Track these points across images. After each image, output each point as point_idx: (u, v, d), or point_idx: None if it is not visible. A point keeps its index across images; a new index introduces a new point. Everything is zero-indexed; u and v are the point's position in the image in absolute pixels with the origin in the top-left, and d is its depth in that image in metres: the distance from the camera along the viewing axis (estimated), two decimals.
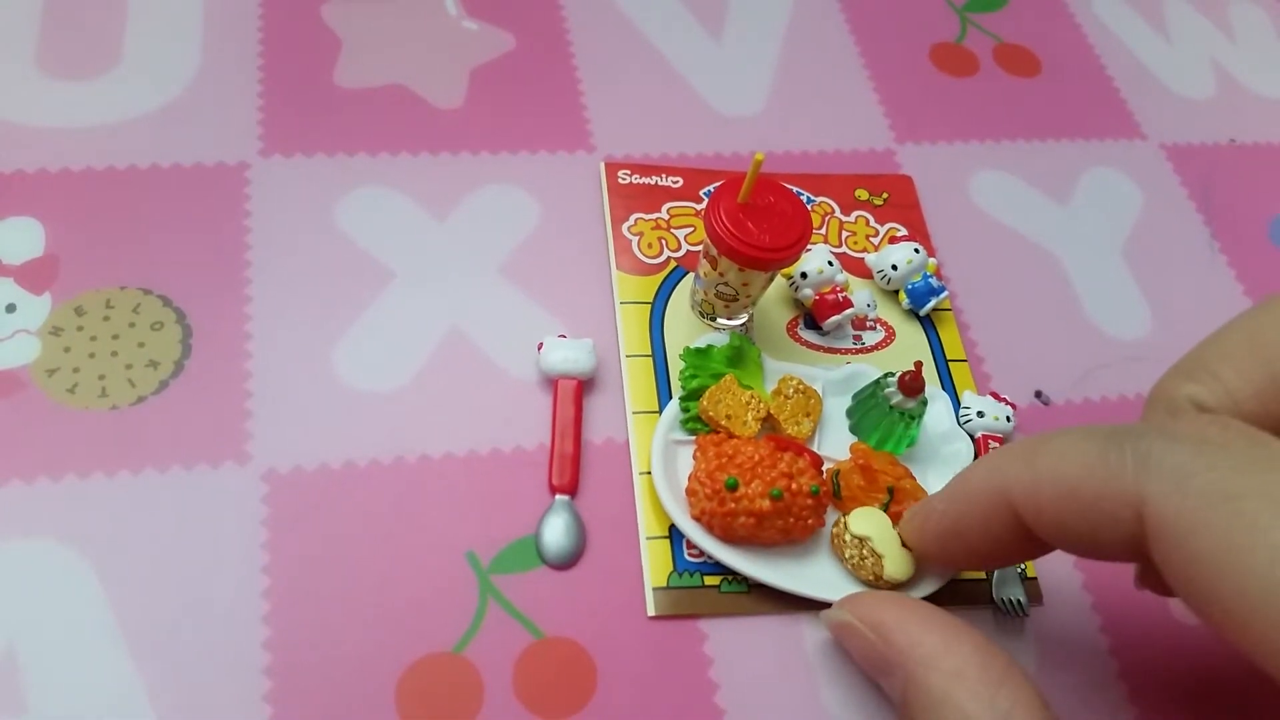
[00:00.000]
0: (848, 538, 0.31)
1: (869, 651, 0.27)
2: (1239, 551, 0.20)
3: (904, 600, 0.28)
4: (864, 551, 0.30)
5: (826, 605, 0.30)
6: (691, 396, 0.33)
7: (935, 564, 0.30)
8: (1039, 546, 0.26)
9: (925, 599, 0.30)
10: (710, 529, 0.31)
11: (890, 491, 0.31)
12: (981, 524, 0.26)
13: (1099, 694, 0.32)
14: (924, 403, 0.33)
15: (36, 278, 0.34)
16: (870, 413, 0.33)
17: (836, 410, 0.35)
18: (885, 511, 0.31)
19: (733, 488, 0.30)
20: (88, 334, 0.33)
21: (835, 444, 0.34)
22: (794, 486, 0.30)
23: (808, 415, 0.33)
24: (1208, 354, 0.25)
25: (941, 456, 0.34)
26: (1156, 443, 0.22)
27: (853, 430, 0.34)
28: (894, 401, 0.32)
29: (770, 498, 0.30)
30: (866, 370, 0.35)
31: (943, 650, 0.25)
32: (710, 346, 0.34)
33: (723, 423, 0.32)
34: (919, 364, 0.32)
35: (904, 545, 0.30)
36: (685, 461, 0.33)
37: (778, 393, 0.33)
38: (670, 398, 0.34)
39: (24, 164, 0.36)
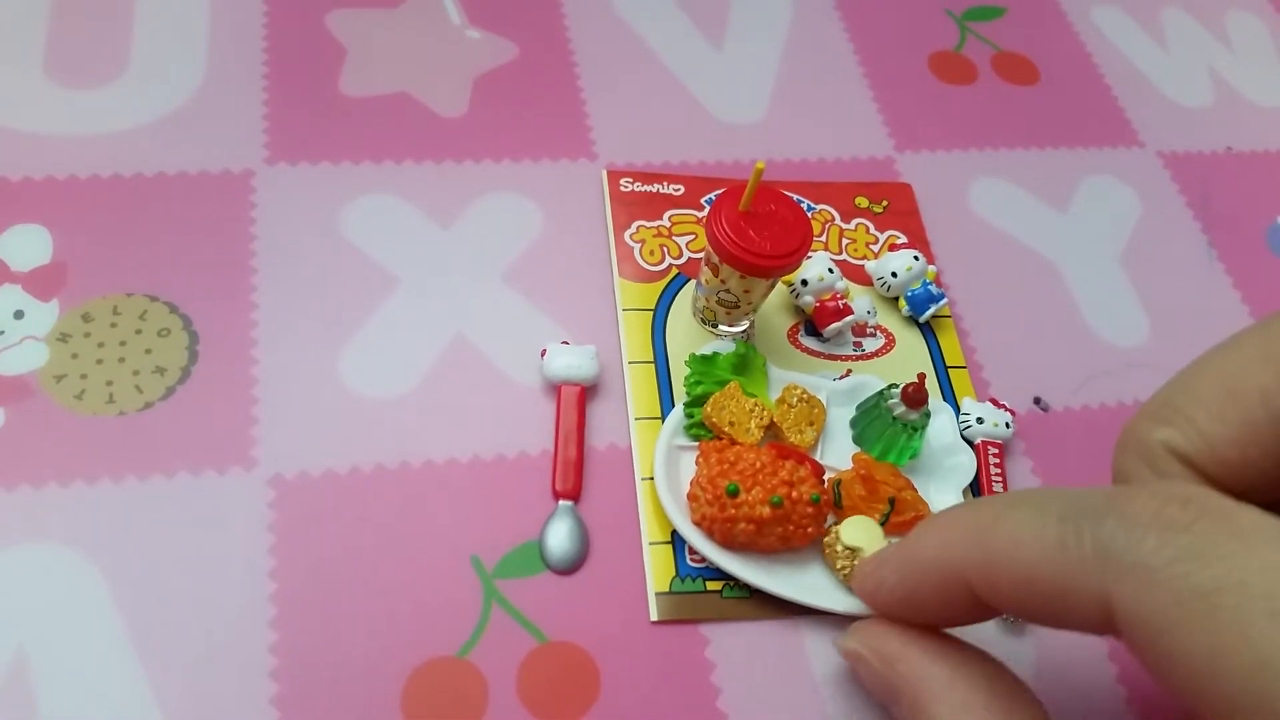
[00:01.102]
0: (839, 548, 0.31)
1: (877, 681, 0.27)
2: (1219, 654, 0.19)
3: (912, 629, 0.27)
4: (855, 562, 0.30)
5: (827, 613, 0.31)
6: (696, 402, 0.33)
7: None
8: (995, 612, 0.25)
9: None
10: (711, 534, 0.31)
11: (891, 503, 0.32)
12: (936, 597, 0.25)
13: (1098, 700, 0.32)
14: (927, 415, 0.33)
15: (44, 284, 0.34)
16: (874, 424, 0.33)
17: (840, 420, 0.35)
18: (886, 522, 0.31)
19: (734, 494, 0.30)
20: (95, 340, 0.33)
21: (838, 454, 0.34)
22: (794, 494, 0.30)
23: (811, 424, 0.34)
24: (1180, 397, 0.24)
25: (944, 469, 0.34)
26: (1118, 531, 0.21)
27: (856, 441, 0.34)
28: (897, 413, 0.32)
29: (770, 505, 0.30)
30: (871, 381, 0.35)
31: (948, 682, 0.25)
32: (716, 354, 0.34)
33: (726, 429, 0.32)
34: (922, 376, 0.32)
35: None
36: (688, 467, 0.33)
37: (781, 401, 0.34)
38: (672, 404, 0.34)
39: (31, 171, 0.37)
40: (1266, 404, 0.23)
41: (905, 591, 0.26)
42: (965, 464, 0.34)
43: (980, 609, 0.25)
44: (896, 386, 0.33)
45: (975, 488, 0.34)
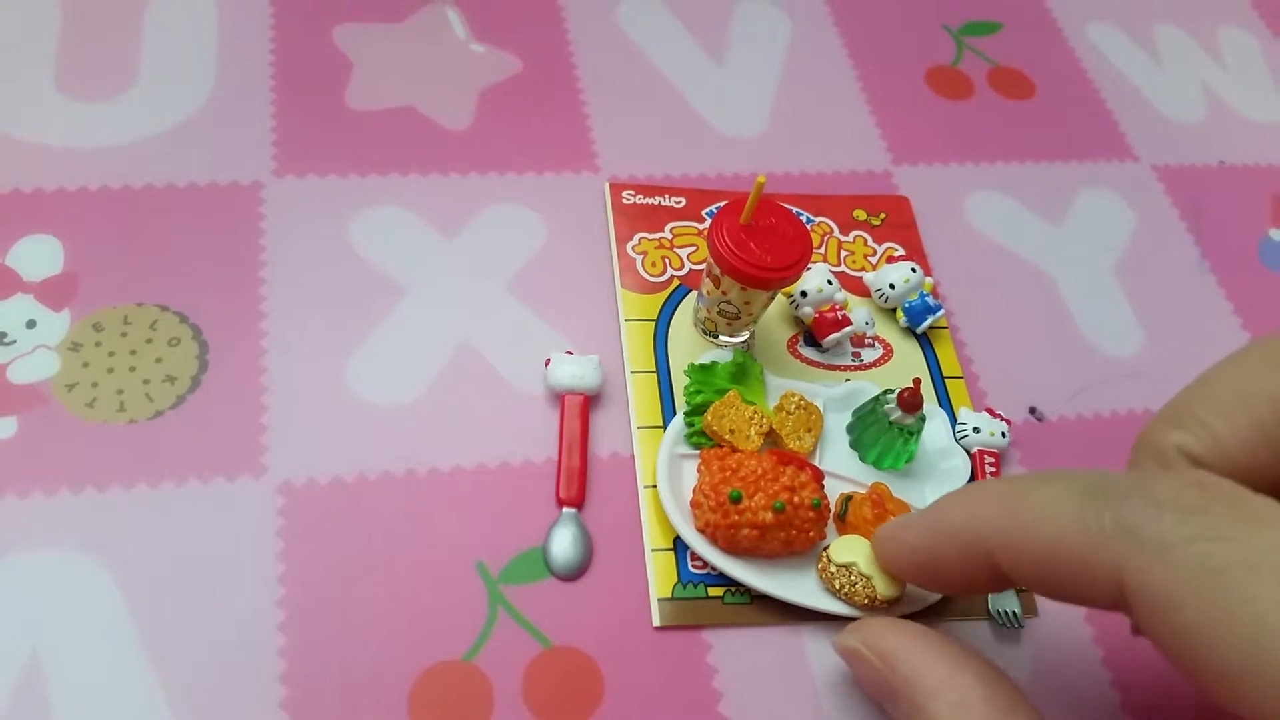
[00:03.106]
0: (833, 569, 0.31)
1: (875, 679, 0.28)
2: (1225, 626, 0.20)
3: (911, 628, 0.28)
4: (852, 577, 0.31)
5: (827, 616, 0.31)
6: (696, 411, 0.34)
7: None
8: (1011, 583, 0.26)
9: (929, 609, 0.31)
10: (714, 540, 0.32)
11: None
12: (957, 563, 0.26)
13: (1093, 705, 0.32)
14: (922, 419, 0.33)
15: (56, 294, 0.35)
16: (870, 428, 0.34)
17: (837, 426, 0.35)
18: None
19: (737, 500, 0.31)
20: (106, 349, 0.34)
21: (836, 459, 0.35)
22: (796, 499, 0.31)
23: (809, 430, 0.34)
24: (1194, 402, 0.25)
25: (939, 472, 0.35)
26: (1137, 508, 0.22)
27: (853, 446, 0.35)
28: (893, 418, 0.33)
29: (773, 510, 0.30)
30: (866, 387, 0.36)
31: (947, 681, 0.25)
32: (714, 363, 0.35)
33: (726, 437, 0.33)
34: (917, 381, 0.33)
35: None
36: (689, 475, 0.33)
37: (780, 408, 0.34)
38: (674, 413, 0.35)
39: (43, 183, 0.37)
40: (1275, 408, 0.24)
41: (926, 555, 0.27)
42: (960, 467, 0.35)
43: (996, 579, 0.25)
44: (892, 391, 0.33)
45: None
